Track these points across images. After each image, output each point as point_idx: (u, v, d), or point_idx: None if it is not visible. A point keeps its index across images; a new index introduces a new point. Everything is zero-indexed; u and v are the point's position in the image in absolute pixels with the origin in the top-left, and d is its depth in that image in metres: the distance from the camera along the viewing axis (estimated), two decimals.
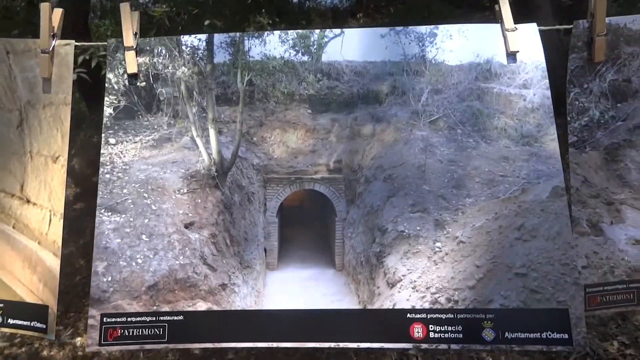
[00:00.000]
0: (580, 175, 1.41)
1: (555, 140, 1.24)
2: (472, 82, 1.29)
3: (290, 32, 1.34)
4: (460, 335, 1.14)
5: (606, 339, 2.28)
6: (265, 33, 1.34)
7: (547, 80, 1.28)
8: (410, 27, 1.34)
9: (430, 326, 1.16)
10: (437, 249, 1.21)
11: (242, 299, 1.23)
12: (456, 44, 1.32)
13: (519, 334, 1.13)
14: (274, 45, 1.34)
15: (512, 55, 1.29)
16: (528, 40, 1.32)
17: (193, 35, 1.36)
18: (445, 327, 1.15)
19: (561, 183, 1.21)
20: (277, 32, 1.34)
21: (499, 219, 1.21)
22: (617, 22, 1.35)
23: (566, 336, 1.12)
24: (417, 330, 1.16)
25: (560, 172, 1.22)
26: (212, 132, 1.31)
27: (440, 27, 1.34)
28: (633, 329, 2.33)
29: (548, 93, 1.28)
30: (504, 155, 1.24)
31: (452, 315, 1.15)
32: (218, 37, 1.35)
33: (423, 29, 1.34)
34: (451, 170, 1.25)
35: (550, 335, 1.12)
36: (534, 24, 1.34)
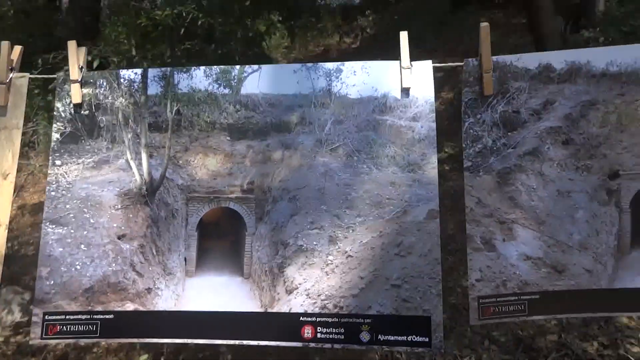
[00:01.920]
0: (474, 196, 1.57)
1: (435, 169, 1.41)
2: (370, 115, 1.46)
3: (214, 67, 1.53)
4: (342, 337, 1.33)
5: (587, 339, 2.44)
6: (192, 68, 1.52)
7: (434, 114, 1.44)
8: (319, 63, 1.51)
9: (318, 328, 1.35)
10: (329, 262, 1.39)
11: (164, 301, 1.44)
12: (359, 79, 1.49)
13: (390, 336, 1.31)
14: (200, 79, 1.53)
15: (405, 91, 1.46)
16: (422, 77, 1.48)
17: (130, 70, 1.56)
18: (331, 329, 1.34)
19: (436, 206, 1.38)
20: (202, 68, 1.53)
21: (382, 237, 1.38)
22: (504, 60, 1.50)
23: (426, 340, 1.29)
24: (307, 332, 1.35)
25: (436, 197, 1.39)
26: (144, 156, 1.51)
27: (346, 63, 1.51)
28: (614, 330, 2.48)
29: (434, 125, 1.44)
30: (391, 181, 1.41)
31: (337, 319, 1.34)
32: (152, 72, 1.55)
33: (331, 65, 1.51)
34: (346, 192, 1.43)
35: (414, 338, 1.29)
36: (429, 62, 1.50)
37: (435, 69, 1.49)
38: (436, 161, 1.41)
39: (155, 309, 1.43)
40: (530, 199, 1.57)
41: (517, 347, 2.42)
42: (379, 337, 1.31)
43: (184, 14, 5.93)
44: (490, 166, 1.56)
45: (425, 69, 1.48)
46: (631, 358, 2.18)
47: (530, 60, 1.50)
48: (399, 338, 1.30)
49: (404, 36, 1.44)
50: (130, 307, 1.43)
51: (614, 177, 1.55)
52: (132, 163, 1.51)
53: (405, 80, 1.45)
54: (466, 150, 1.55)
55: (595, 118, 1.52)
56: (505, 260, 1.58)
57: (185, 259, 1.47)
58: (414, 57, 1.45)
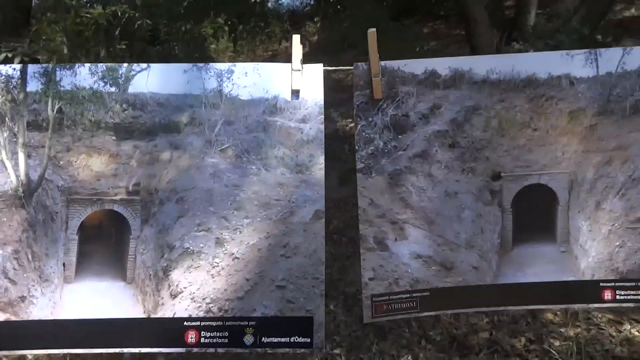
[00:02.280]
0: (367, 197, 1.61)
1: (322, 170, 1.43)
2: (260, 116, 1.46)
3: (100, 65, 1.47)
4: (226, 340, 1.31)
5: (515, 335, 2.53)
6: (77, 65, 1.46)
7: (323, 116, 1.46)
8: (211, 64, 1.49)
9: (202, 332, 1.32)
10: (215, 264, 1.37)
11: (40, 310, 1.36)
12: (250, 80, 1.48)
13: (273, 338, 1.31)
14: (84, 76, 1.46)
15: (295, 93, 1.47)
16: (312, 79, 1.49)
17: (8, 65, 1.47)
18: (215, 333, 1.32)
19: (322, 207, 1.40)
20: (87, 65, 1.46)
21: (269, 238, 1.38)
22: (392, 65, 1.55)
23: (308, 340, 1.30)
24: (191, 336, 1.32)
25: (322, 198, 1.41)
26: (21, 156, 1.42)
27: (238, 65, 1.50)
28: (540, 325, 2.60)
29: (322, 127, 1.46)
30: (279, 182, 1.42)
31: (221, 323, 1.32)
32: (32, 68, 1.47)
33: (223, 66, 1.50)
34: (234, 194, 1.41)
35: (296, 339, 1.30)
36: (320, 65, 1.52)
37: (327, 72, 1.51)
38: (323, 162, 1.43)
39: (30, 319, 1.35)
40: (420, 199, 1.62)
41: (451, 345, 2.49)
42: (263, 339, 1.30)
43: (119, 14, 5.69)
44: (382, 168, 1.60)
45: (315, 72, 1.50)
46: (553, 351, 2.30)
47: (417, 66, 1.56)
48: (282, 339, 1.30)
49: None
50: (0, 317, 1.34)
51: (496, 178, 1.64)
52: (7, 163, 1.42)
53: (296, 83, 1.46)
54: (359, 152, 1.58)
55: (479, 122, 1.60)
56: (397, 259, 1.62)
57: (64, 264, 1.39)
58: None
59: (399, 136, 1.60)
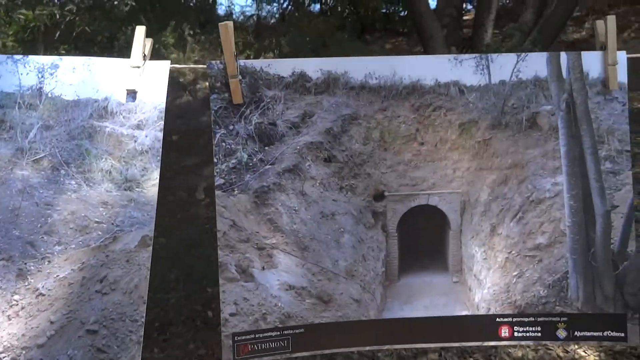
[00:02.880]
0: (228, 218, 1.37)
1: (155, 186, 1.18)
2: (86, 120, 1.21)
3: None
4: None
5: (464, 356, 2.32)
6: None
7: (163, 122, 1.22)
8: (30, 56, 1.24)
9: None
10: (14, 302, 1.10)
11: None
12: (78, 77, 1.24)
13: None
14: None
15: (131, 94, 1.23)
16: (154, 79, 1.26)
17: None
18: None
19: (150, 232, 1.15)
20: None
21: (84, 270, 1.12)
22: (253, 65, 1.33)
23: None
24: None
25: (152, 220, 1.16)
26: None
27: (65, 58, 1.25)
28: (489, 346, 2.39)
29: (160, 135, 1.22)
30: (103, 200, 1.17)
31: None
32: None
33: (46, 59, 1.24)
34: (46, 214, 1.15)
35: None
36: (168, 62, 1.29)
37: (174, 70, 1.28)
38: (158, 177, 1.19)
39: None
40: (292, 221, 1.40)
41: None
42: None
43: (57, 16, 5.35)
44: (246, 184, 1.37)
45: (160, 70, 1.26)
46: None
47: (283, 67, 1.34)
48: None
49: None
50: None
51: (379, 198, 1.43)
52: None
53: (133, 82, 1.22)
54: (218, 165, 1.35)
55: (358, 134, 1.39)
56: (265, 291, 1.39)
57: None
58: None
59: (266, 148, 1.38)
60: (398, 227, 1.44)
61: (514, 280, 1.45)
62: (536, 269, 1.44)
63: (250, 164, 1.37)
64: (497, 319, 1.45)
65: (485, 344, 1.46)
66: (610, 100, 1.45)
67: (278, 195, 1.38)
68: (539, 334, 1.45)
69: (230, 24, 1.26)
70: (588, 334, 1.45)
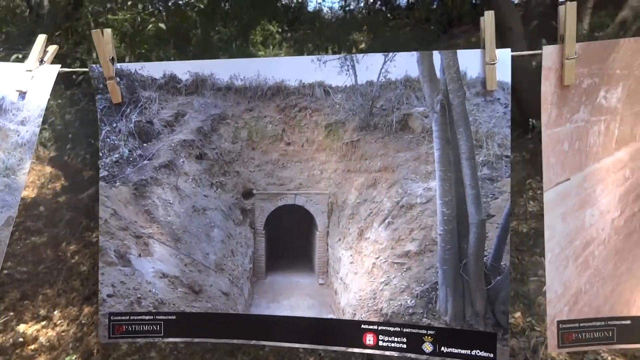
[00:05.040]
0: (109, 207, 1.51)
1: (25, 174, 1.35)
2: None
3: None
4: None
5: None
6: None
7: (41, 119, 1.39)
8: None
9: None
10: None
11: None
12: None
13: None
14: None
15: (22, 94, 1.42)
16: (43, 81, 1.43)
17: None
18: None
19: (14, 214, 1.32)
20: None
21: None
22: (128, 67, 1.45)
23: None
24: None
25: (17, 204, 1.33)
26: None
27: None
28: None
29: (37, 130, 1.39)
30: None
31: None
32: None
33: None
34: None
35: None
36: (58, 66, 1.46)
37: (63, 74, 1.45)
38: (29, 167, 1.36)
39: None
40: (167, 214, 1.50)
41: None
42: None
43: (139, 19, 5.97)
44: (126, 177, 1.50)
45: (49, 73, 1.44)
46: None
47: (155, 69, 1.45)
48: None
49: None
50: None
51: (248, 196, 1.47)
52: None
53: (23, 83, 1.41)
54: (103, 159, 1.50)
55: (227, 133, 1.45)
56: (140, 277, 1.50)
57: None
58: None
59: (144, 144, 1.49)
60: (266, 226, 1.47)
61: (381, 287, 1.40)
62: (404, 277, 1.39)
63: (131, 159, 1.49)
64: (362, 326, 1.41)
65: (350, 350, 1.43)
66: (491, 102, 1.34)
67: (155, 189, 1.49)
68: (404, 346, 1.39)
69: (106, 30, 1.40)
70: (455, 350, 1.35)
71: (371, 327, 1.40)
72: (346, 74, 1.38)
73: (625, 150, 1.34)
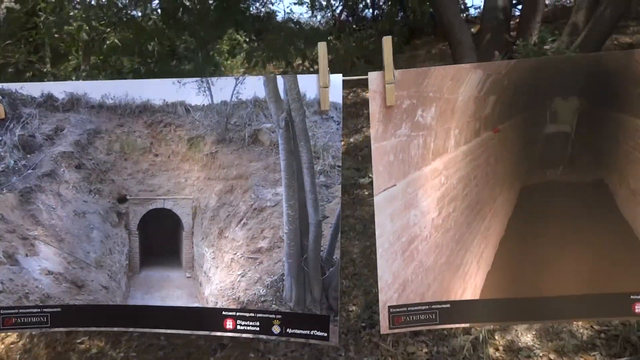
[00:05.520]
0: None
1: None
2: None
3: None
4: None
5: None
6: None
7: None
8: None
9: None
10: None
11: None
12: None
13: None
14: None
15: None
16: None
17: None
18: None
19: None
20: None
21: None
22: (9, 87, 1.61)
23: None
24: None
25: None
26: None
27: None
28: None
29: None
30: None
31: None
32: None
33: None
34: None
35: None
36: None
37: None
38: None
39: None
40: (51, 217, 1.67)
41: None
42: None
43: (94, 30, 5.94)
44: (12, 185, 1.66)
45: None
46: None
47: (34, 89, 1.61)
48: None
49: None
50: None
51: (122, 201, 1.66)
52: None
53: None
54: None
55: (102, 145, 1.63)
56: (28, 274, 1.67)
57: None
58: None
59: (28, 155, 1.66)
60: (139, 227, 1.66)
61: (238, 279, 1.62)
62: (257, 270, 1.61)
63: (16, 169, 1.65)
64: (223, 312, 1.63)
65: (213, 333, 1.65)
66: (326, 120, 1.57)
67: (39, 195, 1.66)
68: (258, 329, 1.62)
69: None
70: (298, 331, 1.59)
71: (230, 313, 1.62)
72: (203, 94, 1.58)
73: (439, 161, 1.58)
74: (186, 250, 1.66)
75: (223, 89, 1.57)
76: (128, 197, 1.65)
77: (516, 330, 2.62)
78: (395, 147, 1.56)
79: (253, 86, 1.57)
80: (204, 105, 1.59)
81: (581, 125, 1.53)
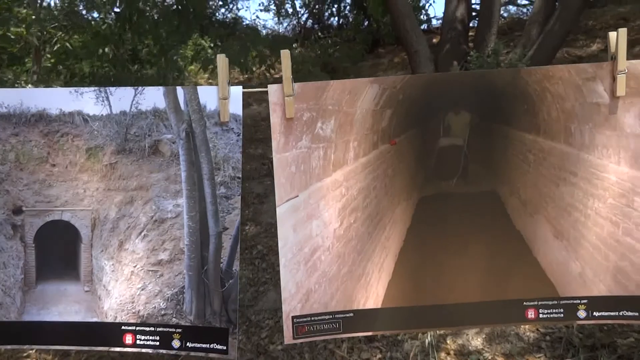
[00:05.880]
0: None
1: None
2: None
3: None
4: None
5: None
6: None
7: None
8: None
9: None
10: None
11: None
12: None
13: None
14: None
15: None
16: None
17: None
18: None
19: None
20: None
21: None
22: None
23: None
24: None
25: None
26: None
27: None
28: None
29: None
30: None
31: None
32: None
33: None
34: None
35: None
36: None
37: None
38: None
39: None
40: None
41: None
42: None
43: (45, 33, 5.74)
44: None
45: None
46: None
47: None
48: None
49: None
50: None
51: (18, 212, 1.61)
52: None
53: None
54: None
55: None
56: None
57: None
58: None
59: None
60: (35, 239, 1.61)
61: (138, 292, 1.59)
62: (157, 283, 1.58)
63: None
64: (122, 327, 1.59)
65: (112, 349, 1.61)
66: (227, 131, 1.57)
67: None
68: (158, 343, 1.59)
69: None
70: (198, 345, 1.57)
71: (130, 328, 1.59)
72: (102, 104, 1.56)
73: (340, 172, 1.61)
74: (85, 263, 1.62)
75: (122, 98, 1.56)
76: (24, 209, 1.60)
77: (467, 334, 2.70)
78: (297, 158, 1.58)
79: (153, 97, 1.56)
80: (102, 115, 1.56)
81: (473, 139, 1.60)
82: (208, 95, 1.56)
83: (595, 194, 1.61)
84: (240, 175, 1.56)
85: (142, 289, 1.59)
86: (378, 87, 1.57)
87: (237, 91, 1.56)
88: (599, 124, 1.59)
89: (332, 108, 1.58)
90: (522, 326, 2.72)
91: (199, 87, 1.56)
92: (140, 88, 1.56)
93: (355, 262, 1.64)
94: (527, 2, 9.56)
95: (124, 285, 1.59)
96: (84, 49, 5.70)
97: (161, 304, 1.58)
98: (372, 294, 1.66)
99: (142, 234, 1.58)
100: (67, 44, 5.84)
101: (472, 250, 1.64)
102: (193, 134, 1.56)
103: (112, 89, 1.56)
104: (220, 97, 1.54)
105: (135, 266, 1.59)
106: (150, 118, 1.56)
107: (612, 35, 1.54)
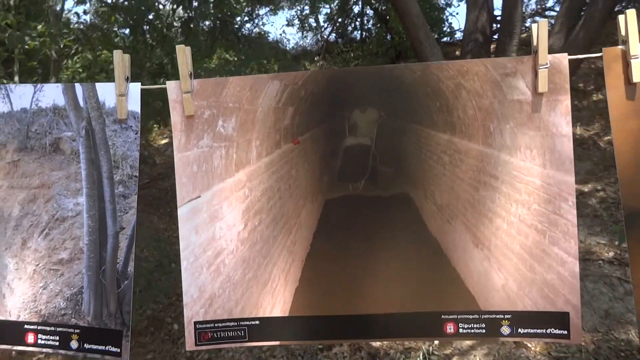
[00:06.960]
0: None
1: None
2: None
3: None
4: None
5: None
6: None
7: None
8: None
9: None
10: None
11: None
12: None
13: None
14: None
15: None
16: None
17: None
18: None
19: None
20: None
21: None
22: None
23: None
24: None
25: None
26: None
27: None
28: None
29: None
30: None
31: None
32: None
33: None
34: None
35: None
36: None
37: None
38: None
39: None
40: None
41: None
42: None
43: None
44: None
45: None
46: None
47: None
48: None
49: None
50: None
51: None
52: None
53: None
54: None
55: None
56: None
57: None
58: None
59: None
60: None
61: (40, 291, 1.58)
62: (58, 282, 1.56)
63: None
64: (25, 326, 1.58)
65: (15, 348, 1.60)
66: (125, 129, 1.53)
67: None
68: (57, 343, 1.57)
69: None
70: (94, 347, 1.54)
71: (32, 327, 1.58)
72: (2, 101, 1.55)
73: (243, 172, 1.54)
74: None
75: (22, 96, 1.54)
76: None
77: (475, 356, 2.57)
78: (199, 157, 1.52)
79: (52, 94, 1.54)
80: (3, 112, 1.55)
81: (382, 138, 1.49)
82: (107, 92, 1.52)
83: (518, 200, 1.47)
84: (137, 174, 1.52)
85: (44, 288, 1.57)
86: (279, 84, 1.49)
87: (135, 88, 1.51)
88: (521, 123, 1.45)
89: (232, 105, 1.51)
90: (532, 349, 2.54)
91: (97, 84, 1.52)
92: (39, 85, 1.54)
93: (260, 266, 1.56)
94: (554, 14, 9.12)
95: (27, 284, 1.58)
96: (104, 61, 5.81)
97: (61, 304, 1.56)
98: (279, 301, 1.58)
99: (45, 232, 1.57)
100: (89, 55, 5.95)
101: (385, 259, 1.53)
102: (93, 132, 1.53)
103: (13, 86, 1.55)
104: (118, 93, 1.50)
105: (37, 265, 1.57)
106: (50, 115, 1.54)
107: (534, 26, 1.39)
